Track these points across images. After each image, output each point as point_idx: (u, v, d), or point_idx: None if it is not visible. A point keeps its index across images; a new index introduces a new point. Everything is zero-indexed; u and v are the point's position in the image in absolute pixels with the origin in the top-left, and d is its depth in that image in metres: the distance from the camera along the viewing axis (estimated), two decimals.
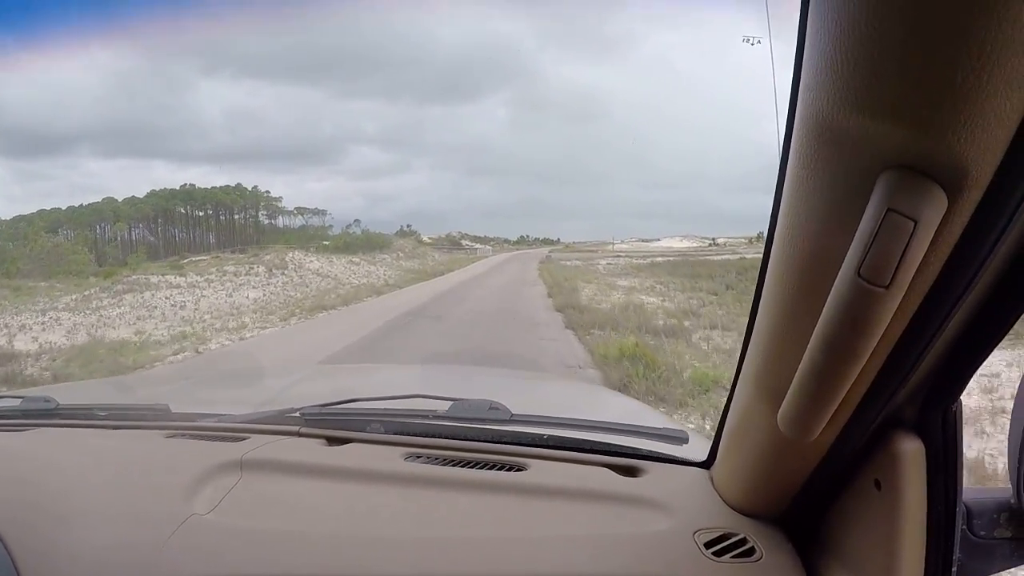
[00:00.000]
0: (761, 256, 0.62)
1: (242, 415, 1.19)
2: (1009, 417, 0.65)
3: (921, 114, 0.39)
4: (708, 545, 0.78)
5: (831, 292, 0.47)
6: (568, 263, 31.31)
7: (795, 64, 0.48)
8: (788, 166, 0.51)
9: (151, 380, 3.78)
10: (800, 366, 0.53)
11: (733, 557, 0.76)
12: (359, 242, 37.56)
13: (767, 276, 0.60)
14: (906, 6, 0.36)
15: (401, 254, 38.57)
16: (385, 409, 1.17)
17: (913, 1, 0.36)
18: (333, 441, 1.08)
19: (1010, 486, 0.66)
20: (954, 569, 0.63)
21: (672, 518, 0.83)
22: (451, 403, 1.15)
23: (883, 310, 0.45)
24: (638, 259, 33.81)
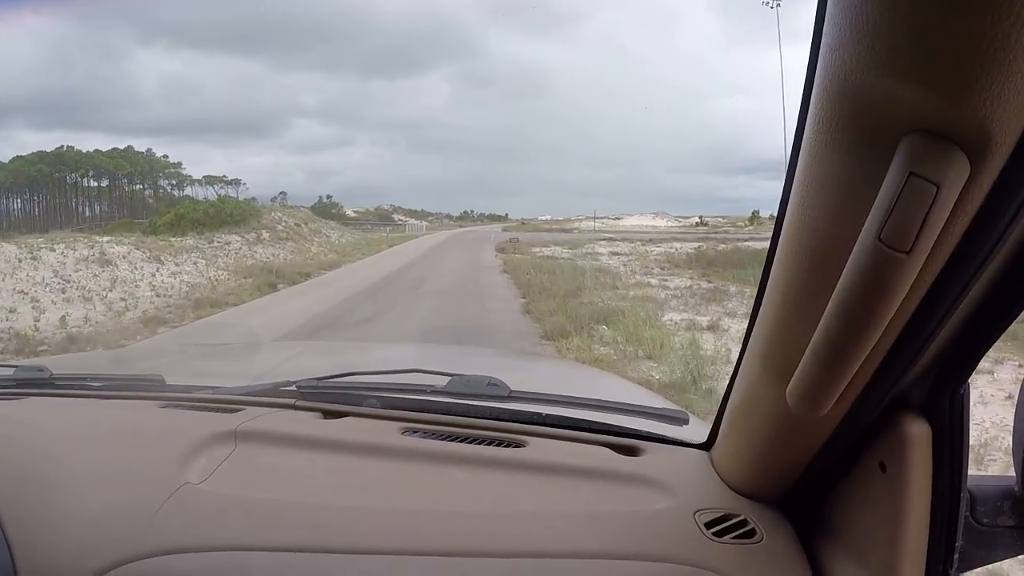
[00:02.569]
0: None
1: (238, 387, 1.18)
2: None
3: (948, 77, 0.38)
4: (708, 525, 0.78)
5: (850, 258, 0.46)
6: (544, 251, 21.46)
7: (815, 24, 0.46)
8: (806, 130, 0.50)
9: (147, 353, 3.71)
10: (814, 337, 0.52)
11: (734, 538, 0.76)
12: (204, 216, 23.70)
13: (779, 247, 0.59)
14: None
15: (267, 234, 24.06)
16: (382, 383, 1.16)
17: None
18: (329, 414, 1.07)
19: (1014, 474, 0.65)
20: (956, 555, 0.63)
21: (672, 498, 0.83)
22: (449, 378, 1.15)
23: (903, 276, 0.44)
24: (640, 243, 25.54)
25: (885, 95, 0.41)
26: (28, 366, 1.31)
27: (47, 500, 0.80)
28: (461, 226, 73.54)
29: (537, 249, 22.53)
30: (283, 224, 26.77)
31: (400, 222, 63.51)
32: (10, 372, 1.29)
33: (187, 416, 1.07)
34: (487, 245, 25.91)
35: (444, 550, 0.75)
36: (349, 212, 65.84)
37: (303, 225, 28.58)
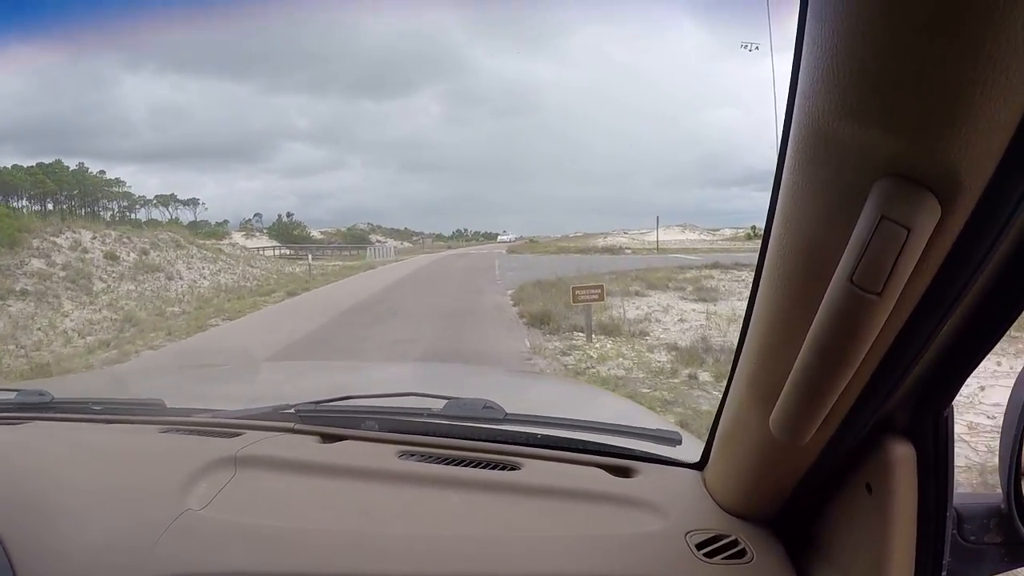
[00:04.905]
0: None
1: (237, 411, 1.19)
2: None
3: (916, 123, 0.39)
4: (700, 546, 0.79)
5: (824, 297, 0.47)
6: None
7: (792, 71, 0.48)
8: (784, 171, 0.52)
9: (147, 373, 3.76)
10: (792, 370, 0.54)
11: (724, 559, 0.77)
12: None
13: (762, 279, 0.60)
14: (903, 15, 0.36)
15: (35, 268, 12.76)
16: (379, 407, 1.17)
17: (909, 10, 0.36)
18: (327, 438, 1.08)
19: (1000, 492, 0.67)
20: (944, 574, 0.64)
21: (664, 519, 0.84)
22: (445, 401, 1.16)
23: (875, 317, 0.46)
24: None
25: (857, 141, 0.42)
26: (29, 390, 1.32)
27: (50, 526, 0.81)
28: (450, 247, 59.50)
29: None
30: (77, 253, 14.47)
31: (379, 242, 55.51)
32: (11, 396, 1.30)
33: (187, 441, 1.08)
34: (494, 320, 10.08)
35: (440, 574, 0.76)
36: (315, 233, 58.34)
37: (146, 254, 16.40)
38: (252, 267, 21.10)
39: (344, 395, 1.20)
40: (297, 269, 23.38)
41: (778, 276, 0.56)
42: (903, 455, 0.62)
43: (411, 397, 1.18)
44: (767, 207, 0.57)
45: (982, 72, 0.35)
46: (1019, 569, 0.72)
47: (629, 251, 34.44)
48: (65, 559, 0.77)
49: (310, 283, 17.69)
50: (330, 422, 1.12)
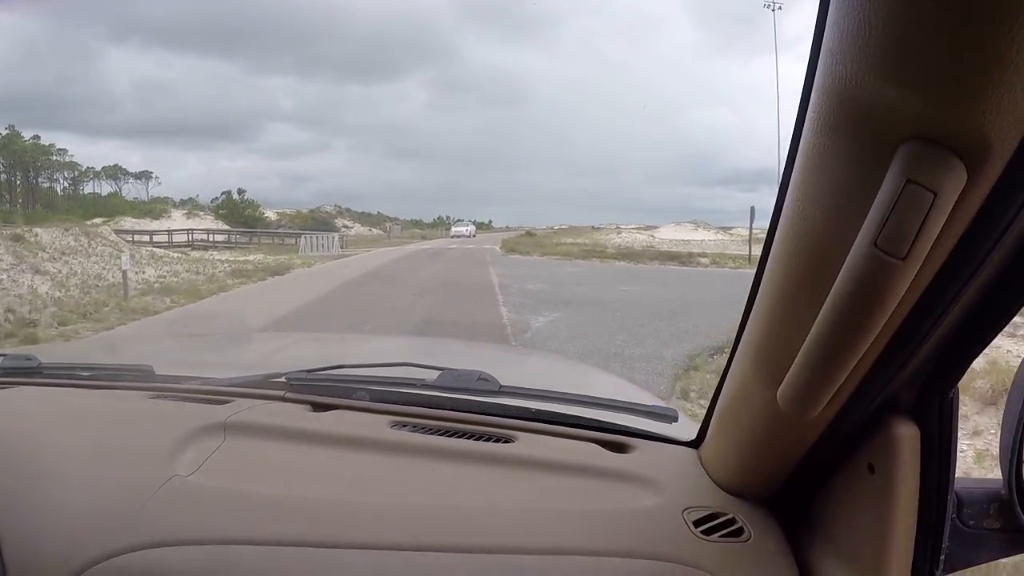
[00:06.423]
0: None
1: (227, 378, 1.17)
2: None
3: (948, 85, 0.38)
4: (697, 523, 0.78)
5: (845, 263, 0.46)
6: None
7: (816, 29, 0.46)
8: (803, 134, 0.50)
9: (136, 340, 3.73)
10: (807, 340, 0.52)
11: (721, 536, 0.76)
12: None
13: (773, 248, 0.59)
14: None
15: None
16: (372, 376, 1.15)
17: None
18: (318, 407, 1.07)
19: (1000, 477, 0.66)
20: (942, 557, 0.64)
21: (661, 495, 0.83)
22: (439, 372, 1.14)
23: (898, 282, 0.45)
24: None
25: (884, 102, 0.41)
26: (16, 355, 1.30)
27: (36, 490, 0.79)
28: (424, 237, 50.11)
29: None
30: None
31: (347, 227, 49.54)
32: None
33: (176, 407, 1.06)
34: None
35: (432, 545, 0.75)
36: (269, 214, 49.96)
37: None
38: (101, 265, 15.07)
39: (336, 364, 1.18)
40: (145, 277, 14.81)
41: (793, 245, 0.54)
42: (907, 435, 0.61)
43: (404, 367, 1.17)
44: (777, 184, 0.56)
45: (1018, 33, 0.35)
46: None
47: (705, 259, 22.38)
48: (51, 524, 0.75)
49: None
50: (321, 391, 1.11)
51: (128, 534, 0.74)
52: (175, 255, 20.23)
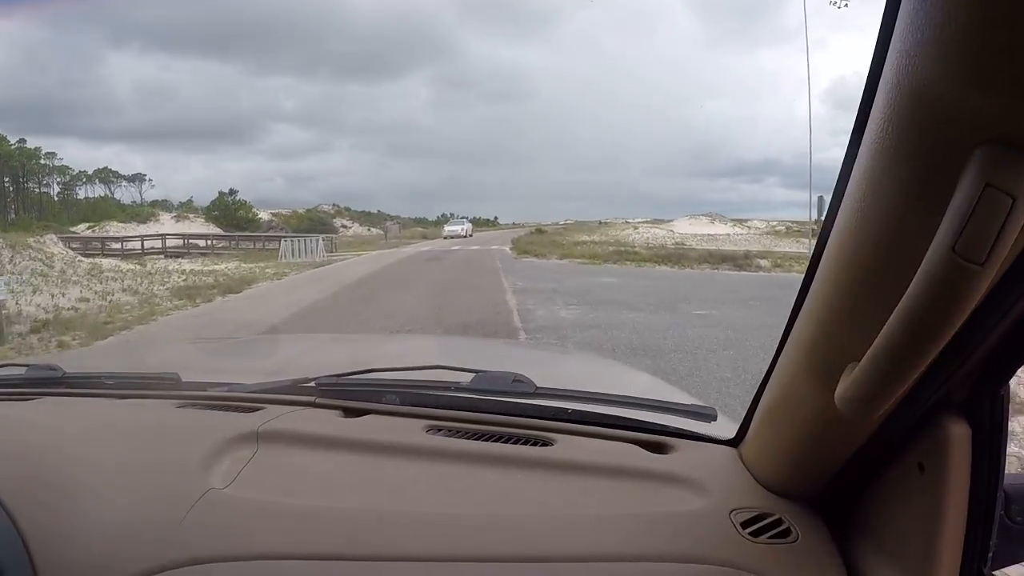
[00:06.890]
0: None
1: (255, 384, 1.16)
2: None
3: None
4: (744, 525, 0.77)
5: (920, 268, 0.45)
6: None
7: (883, 27, 0.46)
8: (866, 135, 0.49)
9: (159, 345, 3.74)
10: (876, 343, 0.51)
11: (769, 538, 0.75)
12: None
13: (829, 249, 0.58)
14: None
15: None
16: (404, 380, 1.14)
17: None
18: (350, 412, 1.05)
19: None
20: (991, 554, 0.63)
21: (706, 497, 0.82)
22: (473, 375, 1.12)
23: (976, 287, 0.44)
24: None
25: (962, 104, 0.40)
26: (39, 365, 1.29)
27: (68, 507, 0.76)
28: (425, 237, 47.14)
29: None
30: None
31: (345, 227, 47.65)
32: (22, 372, 1.27)
33: (206, 416, 1.05)
34: None
35: (476, 555, 0.73)
36: (263, 215, 47.86)
37: None
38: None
39: (366, 368, 1.17)
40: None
41: (855, 248, 0.54)
42: (959, 434, 0.60)
43: (436, 370, 1.15)
44: (839, 170, 0.55)
45: None
46: None
47: (764, 262, 18.88)
48: (84, 542, 0.73)
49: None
50: (353, 396, 1.09)
51: (167, 551, 0.72)
52: (128, 267, 17.57)
